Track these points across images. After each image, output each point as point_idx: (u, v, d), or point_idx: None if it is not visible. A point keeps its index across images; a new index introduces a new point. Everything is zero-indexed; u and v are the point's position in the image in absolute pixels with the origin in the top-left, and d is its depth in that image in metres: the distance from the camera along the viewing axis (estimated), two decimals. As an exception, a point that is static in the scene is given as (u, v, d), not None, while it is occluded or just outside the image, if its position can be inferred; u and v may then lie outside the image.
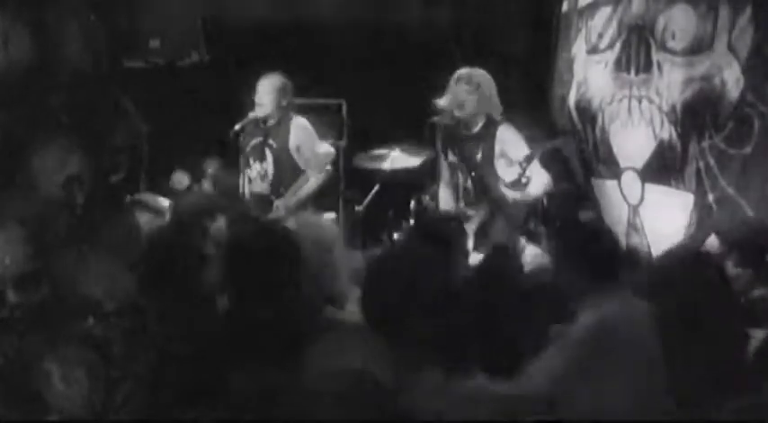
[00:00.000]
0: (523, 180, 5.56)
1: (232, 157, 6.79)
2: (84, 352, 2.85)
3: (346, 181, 7.91)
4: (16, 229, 2.82)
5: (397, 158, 7.24)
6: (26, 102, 2.84)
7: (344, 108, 8.19)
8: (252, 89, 6.68)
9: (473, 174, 5.98)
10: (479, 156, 5.92)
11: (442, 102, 5.94)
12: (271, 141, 6.60)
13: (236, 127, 6.60)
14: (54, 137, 2.87)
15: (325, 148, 6.75)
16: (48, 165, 2.85)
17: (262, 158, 6.63)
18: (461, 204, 6.04)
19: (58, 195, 2.87)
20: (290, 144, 6.55)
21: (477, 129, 5.94)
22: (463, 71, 6.00)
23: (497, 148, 5.85)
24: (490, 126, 5.91)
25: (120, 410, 2.90)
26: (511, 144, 5.81)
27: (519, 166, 5.55)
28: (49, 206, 2.87)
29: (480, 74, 6.01)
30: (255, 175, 6.64)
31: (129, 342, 2.96)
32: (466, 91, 5.93)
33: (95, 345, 2.88)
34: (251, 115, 6.61)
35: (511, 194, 5.65)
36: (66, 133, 2.89)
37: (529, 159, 5.56)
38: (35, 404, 2.78)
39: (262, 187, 6.60)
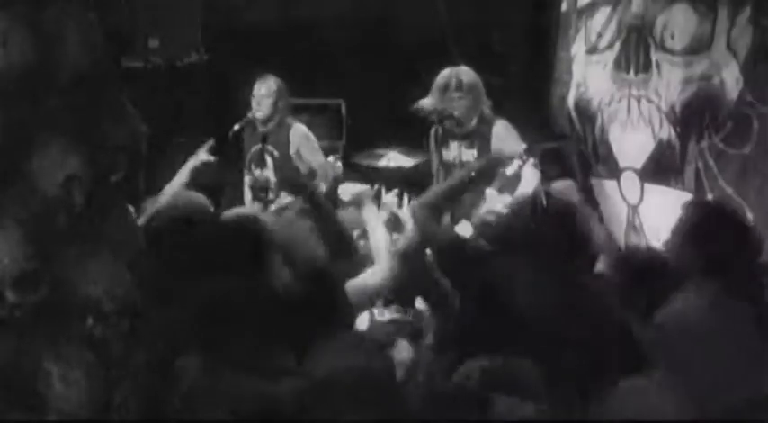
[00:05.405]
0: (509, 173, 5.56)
1: (231, 157, 6.80)
2: (83, 352, 2.85)
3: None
4: (15, 229, 2.82)
5: (394, 158, 7.27)
6: (25, 102, 2.84)
7: (344, 108, 8.20)
8: (251, 89, 6.69)
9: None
10: (474, 153, 5.93)
11: (427, 103, 5.93)
12: (270, 148, 6.61)
13: (236, 127, 6.61)
14: (53, 137, 2.86)
15: (331, 161, 6.64)
16: (47, 165, 2.84)
17: (262, 165, 6.64)
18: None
19: (57, 195, 2.86)
20: (291, 151, 6.57)
21: (470, 127, 5.94)
22: (446, 73, 5.96)
23: (493, 144, 5.86)
24: (484, 123, 5.92)
25: (120, 411, 2.90)
26: (507, 140, 5.82)
27: (519, 159, 5.56)
28: (49, 206, 2.86)
29: (465, 73, 5.98)
30: (256, 182, 6.67)
31: (128, 342, 2.95)
32: (457, 96, 5.92)
33: (95, 345, 2.88)
34: (249, 116, 6.61)
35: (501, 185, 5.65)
36: (66, 133, 2.88)
37: (529, 153, 5.56)
38: (34, 404, 2.78)
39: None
